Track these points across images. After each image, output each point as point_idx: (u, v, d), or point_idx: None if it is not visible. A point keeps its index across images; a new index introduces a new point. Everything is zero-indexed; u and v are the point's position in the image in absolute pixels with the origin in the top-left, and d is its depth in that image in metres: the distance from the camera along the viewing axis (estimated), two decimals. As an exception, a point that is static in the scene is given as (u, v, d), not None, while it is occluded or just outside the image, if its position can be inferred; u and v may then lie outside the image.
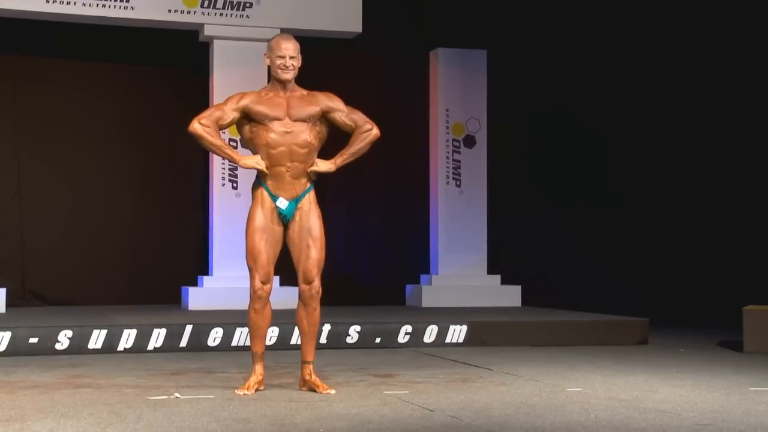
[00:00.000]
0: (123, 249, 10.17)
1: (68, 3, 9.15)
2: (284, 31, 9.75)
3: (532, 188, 11.15)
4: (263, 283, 5.37)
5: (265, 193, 5.39)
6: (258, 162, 5.35)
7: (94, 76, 10.15)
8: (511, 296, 10.47)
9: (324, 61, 9.38)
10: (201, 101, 10.08)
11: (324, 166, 5.40)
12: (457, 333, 7.98)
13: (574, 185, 11.24)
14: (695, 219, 11.29)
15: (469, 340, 7.98)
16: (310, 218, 5.38)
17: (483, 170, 10.77)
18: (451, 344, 7.93)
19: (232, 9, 9.67)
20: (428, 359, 6.96)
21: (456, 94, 10.71)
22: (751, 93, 11.04)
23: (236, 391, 5.34)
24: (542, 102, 11.16)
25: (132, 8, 9.34)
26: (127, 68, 10.24)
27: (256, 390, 5.36)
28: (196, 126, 5.31)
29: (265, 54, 5.45)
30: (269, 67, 5.46)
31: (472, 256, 10.64)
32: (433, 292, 10.34)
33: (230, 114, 5.37)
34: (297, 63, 5.42)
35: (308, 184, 5.41)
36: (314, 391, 5.38)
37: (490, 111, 10.79)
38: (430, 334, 7.92)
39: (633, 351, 7.70)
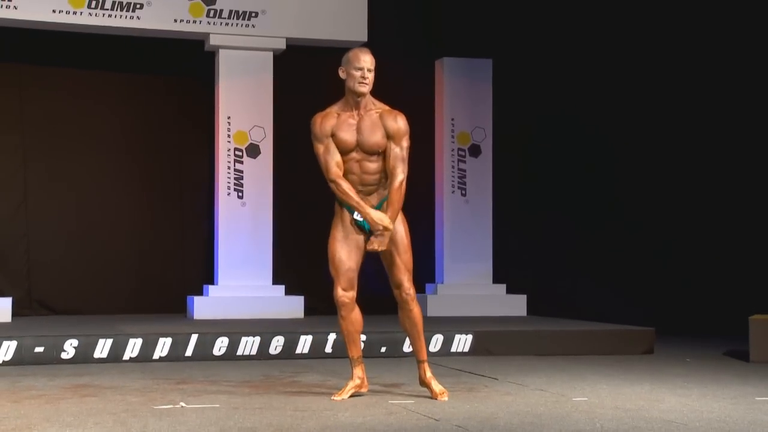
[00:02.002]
0: (129, 258, 10.17)
1: (74, 13, 9.17)
2: (290, 40, 9.83)
3: (538, 197, 11.15)
4: (344, 290, 5.43)
5: (344, 208, 5.45)
6: (383, 220, 5.33)
7: (100, 86, 10.17)
8: (517, 305, 10.46)
9: (329, 69, 9.37)
10: (207, 110, 10.12)
11: (382, 243, 5.36)
12: (462, 342, 7.97)
13: (580, 194, 11.23)
14: (701, 228, 11.26)
15: (475, 350, 7.97)
16: (393, 224, 5.41)
17: (488, 179, 10.77)
18: (457, 353, 7.92)
19: (237, 18, 9.69)
20: (434, 368, 6.94)
21: (461, 103, 10.72)
22: (756, 102, 11.02)
23: (332, 396, 5.40)
24: (547, 111, 11.16)
25: (138, 18, 9.35)
26: (133, 78, 10.26)
27: (353, 395, 5.44)
28: (334, 186, 5.37)
29: (341, 68, 5.41)
30: (344, 81, 5.42)
31: (478, 265, 10.63)
32: (438, 302, 10.34)
33: (333, 146, 5.39)
34: (373, 77, 5.40)
35: (384, 194, 5.44)
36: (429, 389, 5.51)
37: (495, 120, 10.79)
38: (436, 343, 7.91)
39: (639, 360, 7.68)
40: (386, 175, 5.42)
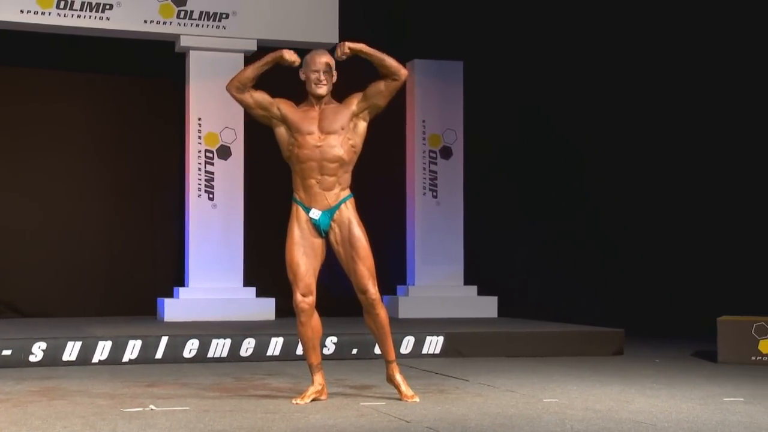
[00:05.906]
0: (98, 260, 10.11)
1: (43, 13, 9.11)
2: (261, 42, 9.82)
3: (509, 199, 11.19)
4: (304, 295, 5.37)
5: (300, 207, 5.41)
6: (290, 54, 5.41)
7: (69, 87, 10.10)
8: (488, 307, 10.48)
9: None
10: (177, 112, 10.09)
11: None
12: (433, 344, 7.98)
13: (551, 196, 11.28)
14: (670, 230, 11.35)
15: (446, 351, 7.99)
16: (350, 229, 5.40)
17: (459, 181, 10.79)
18: (428, 355, 7.93)
19: (208, 20, 9.66)
20: (405, 370, 6.94)
21: (432, 105, 10.74)
22: (730, 106, 11.11)
23: (292, 400, 5.36)
24: (518, 113, 11.21)
25: (108, 19, 9.30)
26: (103, 79, 10.20)
27: (314, 399, 5.39)
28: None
29: (300, 70, 5.45)
30: (305, 83, 5.46)
31: (449, 267, 10.65)
32: (409, 303, 10.35)
33: (264, 97, 5.42)
34: (332, 78, 5.43)
35: (342, 195, 5.41)
36: (399, 390, 5.50)
37: (466, 122, 10.82)
38: (407, 345, 7.92)
39: (609, 361, 7.72)
40: (346, 171, 5.41)
